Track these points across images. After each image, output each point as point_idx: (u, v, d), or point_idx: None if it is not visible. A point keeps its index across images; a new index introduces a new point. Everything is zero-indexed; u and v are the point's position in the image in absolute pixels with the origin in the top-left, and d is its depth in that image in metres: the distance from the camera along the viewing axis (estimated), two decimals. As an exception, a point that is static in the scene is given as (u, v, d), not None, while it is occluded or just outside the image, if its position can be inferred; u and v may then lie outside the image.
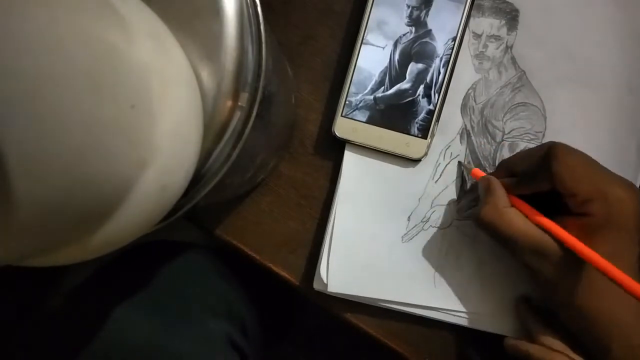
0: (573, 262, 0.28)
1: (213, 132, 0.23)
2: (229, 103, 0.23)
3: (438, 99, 0.35)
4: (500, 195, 0.31)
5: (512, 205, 0.31)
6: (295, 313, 0.70)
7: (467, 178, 0.36)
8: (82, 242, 0.19)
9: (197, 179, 0.23)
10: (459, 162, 0.36)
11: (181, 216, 0.24)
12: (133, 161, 0.18)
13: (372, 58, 0.35)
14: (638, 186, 0.35)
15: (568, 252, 0.28)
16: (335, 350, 0.80)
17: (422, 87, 0.35)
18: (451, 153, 0.36)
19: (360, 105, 0.35)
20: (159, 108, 0.19)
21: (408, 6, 0.35)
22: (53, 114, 0.15)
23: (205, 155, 0.23)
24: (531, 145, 0.35)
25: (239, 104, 0.23)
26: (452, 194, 0.36)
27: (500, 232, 0.30)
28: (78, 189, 0.16)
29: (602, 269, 0.26)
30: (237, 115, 0.23)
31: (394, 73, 0.35)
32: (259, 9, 0.24)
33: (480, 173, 0.34)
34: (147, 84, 0.18)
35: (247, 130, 0.23)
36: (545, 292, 0.31)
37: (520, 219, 0.30)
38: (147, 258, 0.40)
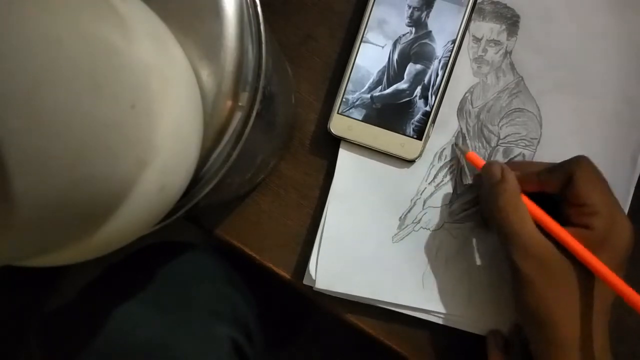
0: (564, 275, 0.28)
1: (213, 132, 0.23)
2: (229, 103, 0.23)
3: (435, 101, 0.35)
4: (515, 186, 0.30)
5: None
6: (300, 319, 0.70)
7: (467, 173, 0.35)
8: (82, 242, 0.19)
9: (197, 179, 0.23)
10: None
11: (181, 216, 0.24)
12: (133, 161, 0.18)
13: (371, 57, 0.35)
14: (631, 198, 0.35)
15: (564, 265, 0.28)
16: (337, 349, 0.80)
17: (419, 88, 0.35)
18: (446, 155, 0.36)
19: (357, 103, 0.35)
20: (159, 108, 0.19)
21: (409, 6, 0.35)
22: (53, 114, 0.15)
23: (205, 155, 0.23)
24: (526, 152, 0.36)
25: (239, 104, 0.23)
26: (444, 196, 0.36)
27: (510, 226, 0.29)
28: (78, 189, 0.16)
29: (609, 282, 0.27)
30: (237, 115, 0.23)
31: (392, 73, 0.35)
32: (259, 9, 0.24)
33: (476, 157, 0.34)
34: (147, 84, 0.18)
35: (247, 130, 0.23)
36: (521, 296, 0.29)
37: (530, 218, 0.29)
38: (157, 259, 0.40)
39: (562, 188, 0.30)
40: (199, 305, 0.37)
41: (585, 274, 0.28)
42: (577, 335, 0.28)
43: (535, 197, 0.31)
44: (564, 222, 0.29)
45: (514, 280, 0.30)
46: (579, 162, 0.29)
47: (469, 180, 0.36)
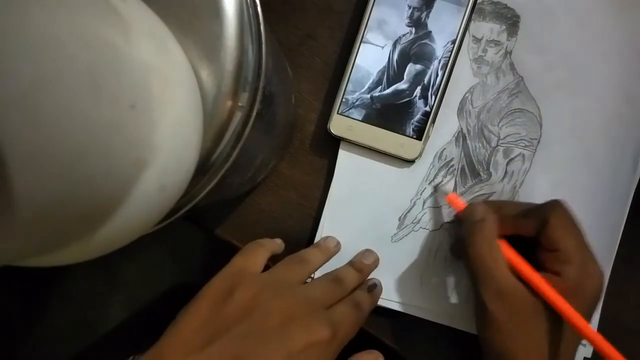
0: (533, 317, 0.28)
1: (213, 132, 0.23)
2: (229, 103, 0.23)
3: (435, 101, 0.35)
4: (493, 227, 0.30)
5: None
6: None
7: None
8: (82, 242, 0.19)
9: (197, 179, 0.23)
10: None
11: (181, 216, 0.24)
12: (133, 161, 0.18)
13: (370, 57, 0.35)
14: (631, 198, 0.35)
15: (534, 307, 0.28)
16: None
17: (419, 88, 0.35)
18: (446, 156, 0.36)
19: (357, 103, 0.35)
20: (159, 108, 0.19)
21: (409, 7, 0.35)
22: (52, 114, 0.15)
23: (205, 155, 0.23)
24: (525, 152, 0.36)
25: (239, 104, 0.23)
26: (444, 196, 0.36)
27: (484, 267, 0.29)
28: (78, 189, 0.16)
29: (578, 327, 0.27)
30: (237, 115, 0.23)
31: (392, 73, 0.35)
32: (259, 9, 0.24)
33: (457, 199, 0.34)
34: (147, 84, 0.18)
35: (247, 130, 0.23)
36: (488, 335, 0.29)
37: (503, 261, 0.29)
38: None
39: (537, 232, 0.30)
40: None
41: (554, 318, 0.28)
42: None
43: (511, 240, 0.31)
44: (537, 266, 0.29)
45: (482, 318, 0.30)
46: (554, 208, 0.29)
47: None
